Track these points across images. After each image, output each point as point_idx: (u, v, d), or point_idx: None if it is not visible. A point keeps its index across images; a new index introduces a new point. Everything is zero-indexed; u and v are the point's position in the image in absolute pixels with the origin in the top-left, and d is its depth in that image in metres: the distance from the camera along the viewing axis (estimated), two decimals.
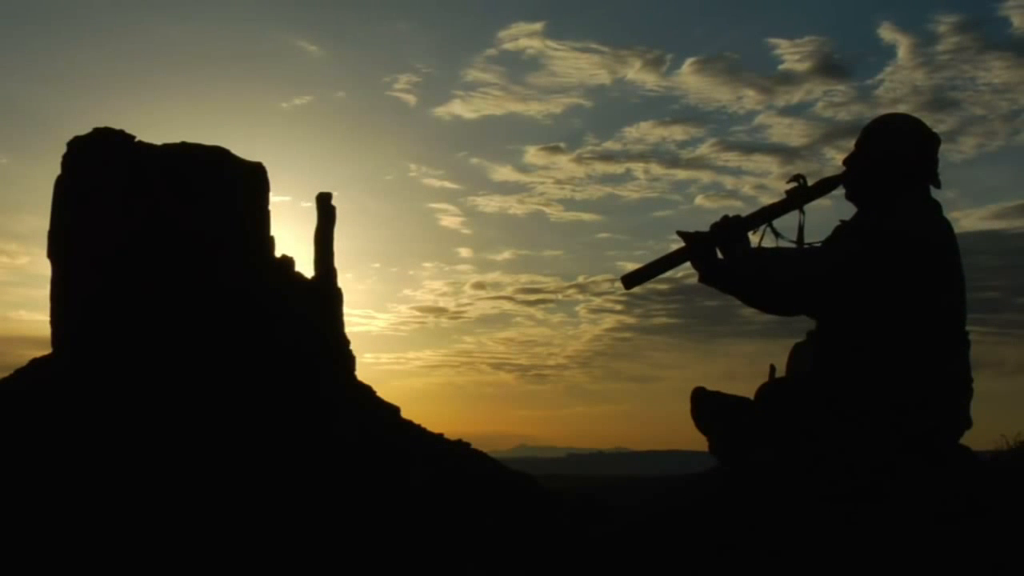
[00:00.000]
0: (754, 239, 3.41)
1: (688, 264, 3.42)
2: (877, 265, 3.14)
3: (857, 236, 3.22)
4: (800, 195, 3.42)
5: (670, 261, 3.41)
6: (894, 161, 3.30)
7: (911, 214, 3.22)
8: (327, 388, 60.55)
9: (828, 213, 3.58)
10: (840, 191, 3.42)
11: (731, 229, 3.38)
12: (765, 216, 3.43)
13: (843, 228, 3.34)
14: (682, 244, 3.42)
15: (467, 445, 64.08)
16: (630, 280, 3.42)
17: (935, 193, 3.35)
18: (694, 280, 3.41)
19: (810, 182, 3.43)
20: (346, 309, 69.60)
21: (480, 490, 51.57)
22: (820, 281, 3.20)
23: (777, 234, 3.43)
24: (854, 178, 3.38)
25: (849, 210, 3.42)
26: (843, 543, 3.05)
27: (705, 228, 3.40)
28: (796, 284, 3.22)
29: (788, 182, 3.44)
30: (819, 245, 3.37)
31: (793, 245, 3.41)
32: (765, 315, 3.35)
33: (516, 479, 58.89)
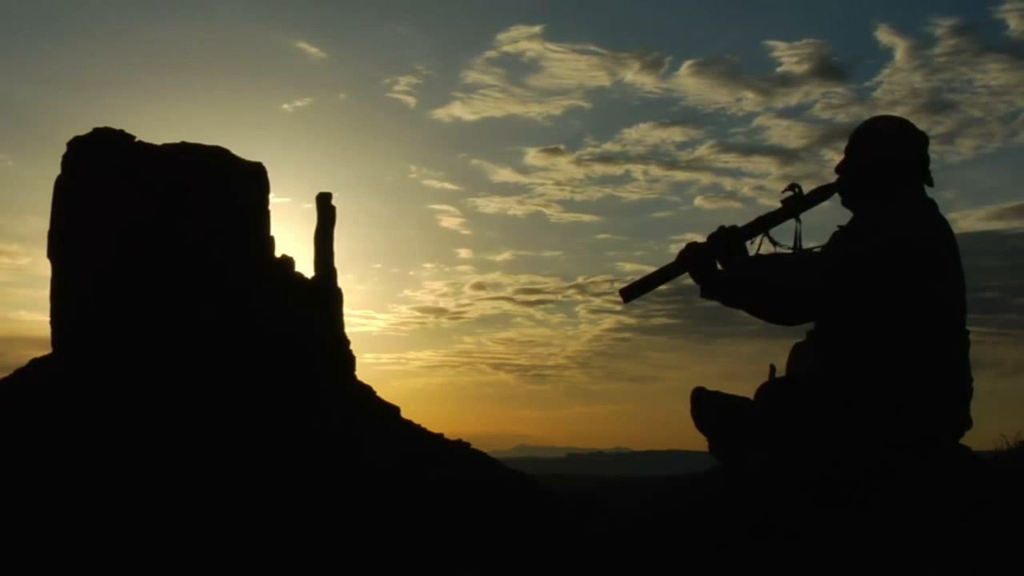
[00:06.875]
0: (751, 249, 3.42)
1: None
2: (876, 266, 3.14)
3: (855, 238, 3.23)
4: (796, 203, 3.42)
5: (668, 273, 3.42)
6: (884, 163, 3.31)
7: (907, 214, 3.23)
8: (327, 388, 60.50)
9: (825, 218, 3.60)
10: (837, 199, 3.43)
11: (727, 239, 3.38)
12: (762, 225, 3.43)
13: (840, 234, 3.34)
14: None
15: (467, 445, 64.00)
16: (628, 293, 3.43)
17: (932, 192, 3.36)
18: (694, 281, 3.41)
19: (806, 190, 3.44)
20: (346, 309, 69.59)
21: (480, 490, 51.51)
22: (822, 284, 3.20)
23: (774, 242, 3.43)
24: (848, 184, 3.38)
25: (846, 216, 3.43)
26: (843, 543, 3.05)
27: (704, 229, 3.41)
28: (799, 287, 3.22)
29: (783, 191, 3.45)
30: (818, 250, 3.38)
31: (791, 252, 3.42)
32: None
33: (516, 479, 58.82)
